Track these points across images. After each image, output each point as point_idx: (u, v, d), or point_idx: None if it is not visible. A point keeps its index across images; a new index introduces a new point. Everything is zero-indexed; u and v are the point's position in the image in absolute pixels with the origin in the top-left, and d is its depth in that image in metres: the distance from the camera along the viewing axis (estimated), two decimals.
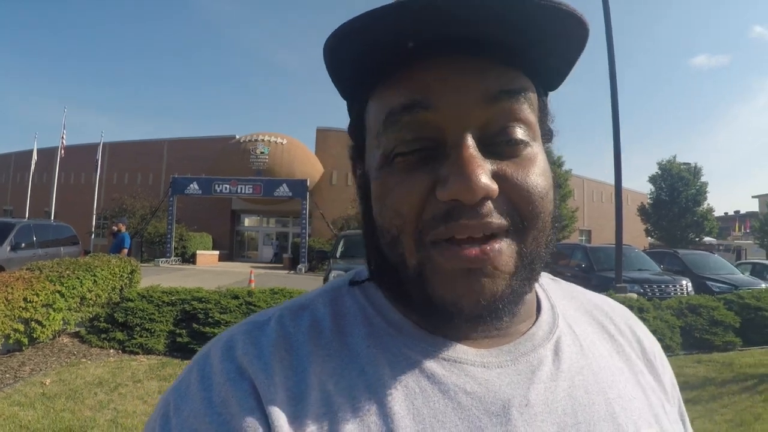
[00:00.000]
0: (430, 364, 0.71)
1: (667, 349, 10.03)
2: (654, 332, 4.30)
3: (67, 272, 9.53)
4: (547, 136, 0.78)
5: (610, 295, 6.73)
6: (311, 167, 41.09)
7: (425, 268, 0.67)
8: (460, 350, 0.73)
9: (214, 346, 0.74)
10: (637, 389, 0.80)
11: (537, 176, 0.69)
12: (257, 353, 0.71)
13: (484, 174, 0.63)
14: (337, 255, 14.09)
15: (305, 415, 0.65)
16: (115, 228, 16.28)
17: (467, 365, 0.71)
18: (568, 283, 0.98)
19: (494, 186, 0.64)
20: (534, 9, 0.60)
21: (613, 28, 13.61)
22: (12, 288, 8.12)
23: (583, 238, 50.23)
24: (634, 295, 11.98)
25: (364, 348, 0.73)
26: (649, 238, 46.12)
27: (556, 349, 0.78)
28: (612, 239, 15.21)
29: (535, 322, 0.80)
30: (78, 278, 9.61)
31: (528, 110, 0.69)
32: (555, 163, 32.77)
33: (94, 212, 43.82)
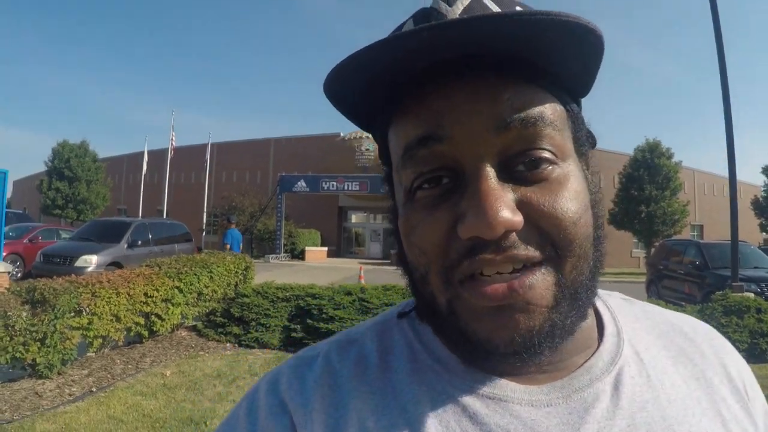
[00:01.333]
0: (473, 403, 0.68)
1: None
2: None
3: (185, 269, 9.89)
4: (584, 146, 0.74)
5: (726, 295, 6.65)
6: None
7: (456, 306, 0.65)
8: (507, 387, 0.69)
9: (263, 381, 0.77)
10: (716, 422, 0.72)
11: (567, 200, 0.64)
12: (300, 389, 0.72)
13: (503, 207, 0.59)
14: None
15: None
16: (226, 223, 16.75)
17: (513, 404, 0.68)
18: (644, 302, 0.90)
19: (517, 218, 0.60)
20: (538, 25, 0.57)
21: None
22: (133, 284, 8.48)
23: (695, 233, 48.48)
24: (751, 295, 11.35)
25: (407, 385, 0.71)
26: (764, 233, 44.17)
27: (617, 382, 0.72)
28: (725, 234, 14.64)
29: (595, 351, 0.75)
30: (195, 274, 9.95)
31: (549, 129, 0.64)
32: (664, 155, 31.77)
33: (205, 210, 45.13)
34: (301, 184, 36.03)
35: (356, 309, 9.53)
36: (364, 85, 0.63)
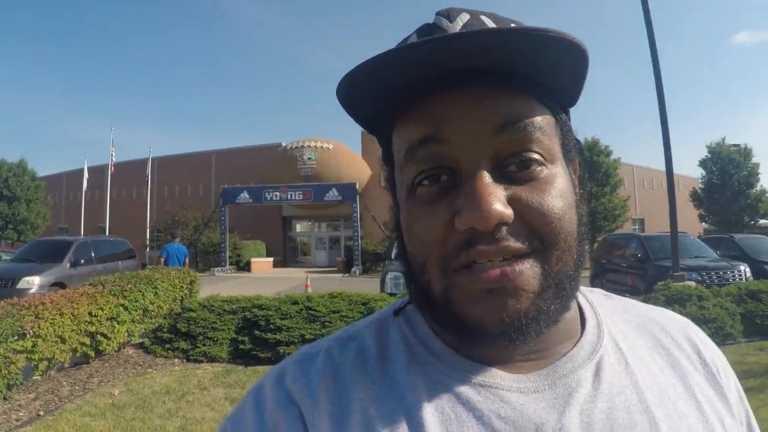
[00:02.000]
0: (467, 390, 0.72)
1: (728, 337, 9.95)
2: (714, 320, 5.32)
3: (129, 286, 9.75)
4: (571, 152, 0.79)
5: (667, 285, 6.70)
6: (359, 170, 41.06)
7: (450, 292, 0.70)
8: (497, 375, 0.74)
9: (267, 376, 0.80)
10: (691, 406, 0.78)
11: (554, 198, 0.69)
12: (305, 381, 0.76)
13: (496, 201, 0.65)
14: (392, 257, 13.94)
15: None
16: (172, 239, 16.65)
17: (503, 390, 0.72)
18: (623, 297, 0.96)
19: (508, 211, 0.66)
20: (528, 40, 0.63)
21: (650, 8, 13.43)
22: (77, 303, 8.35)
23: (636, 227, 49.29)
24: (693, 284, 11.70)
25: (404, 375, 0.75)
26: (704, 223, 45.20)
27: (598, 369, 0.77)
28: (666, 227, 14.94)
29: (577, 342, 0.80)
30: (140, 291, 9.83)
31: (539, 134, 0.70)
32: (603, 153, 32.39)
33: (148, 226, 44.54)
34: (244, 195, 35.91)
35: (303, 318, 9.55)
36: (373, 91, 0.68)
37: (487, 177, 0.67)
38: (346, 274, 32.54)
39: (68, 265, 17.34)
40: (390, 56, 0.63)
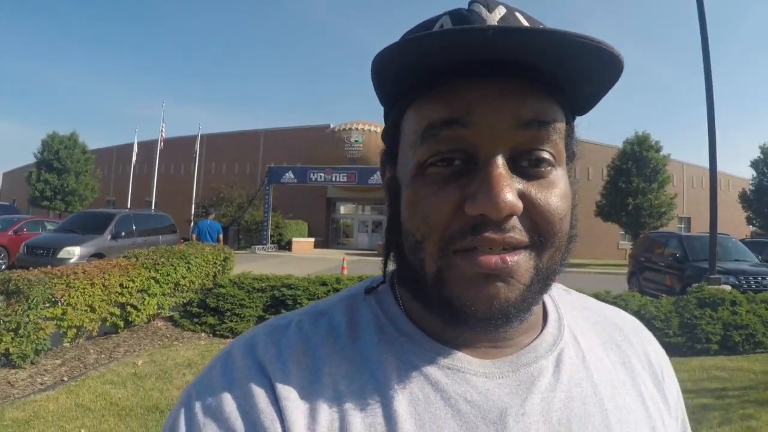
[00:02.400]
0: (435, 372, 0.75)
1: (759, 345, 9.63)
2: (745, 327, 5.54)
3: (162, 260, 9.95)
4: (572, 157, 0.82)
5: (702, 287, 6.80)
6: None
7: (444, 273, 0.71)
8: (465, 360, 0.76)
9: (236, 345, 0.79)
10: (638, 401, 0.83)
11: (558, 198, 0.72)
12: (277, 353, 0.75)
13: (510, 192, 0.66)
14: None
15: (317, 411, 0.70)
16: (206, 216, 16.83)
17: (470, 375, 0.75)
18: (582, 294, 1.01)
19: (519, 204, 0.68)
20: (572, 45, 0.63)
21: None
22: (109, 274, 8.54)
23: (683, 225, 48.42)
24: (728, 287, 11.37)
25: (375, 354, 0.77)
26: (751, 226, 43.98)
27: (558, 360, 0.81)
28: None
29: (539, 333, 0.84)
30: (172, 265, 10.04)
31: (556, 137, 0.72)
32: (652, 148, 31.77)
33: (193, 201, 45.03)
34: (289, 175, 35.98)
35: None
36: (405, 67, 0.69)
37: (504, 167, 0.68)
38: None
39: (109, 237, 17.71)
40: (433, 37, 0.64)
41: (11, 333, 6.85)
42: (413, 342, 0.78)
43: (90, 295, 8.08)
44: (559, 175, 0.74)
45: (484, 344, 0.78)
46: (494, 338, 0.78)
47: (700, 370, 8.26)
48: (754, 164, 43.17)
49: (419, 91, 0.73)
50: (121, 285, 8.74)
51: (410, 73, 0.70)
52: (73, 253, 16.32)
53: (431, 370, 0.75)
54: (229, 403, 0.71)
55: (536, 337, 0.83)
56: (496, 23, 0.70)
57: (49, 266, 8.34)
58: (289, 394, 0.71)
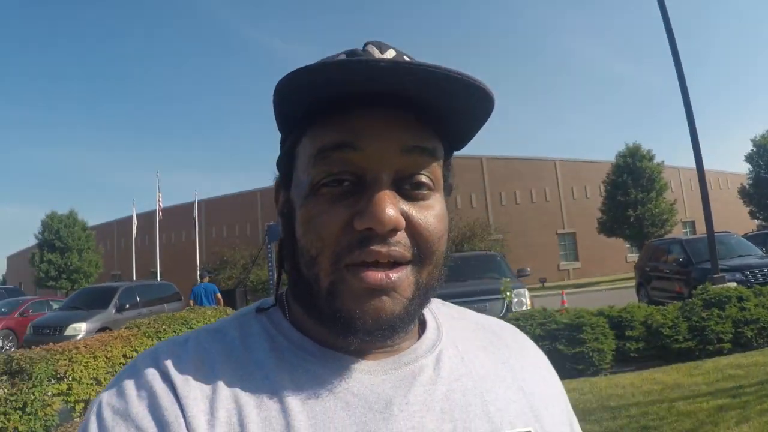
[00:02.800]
0: (325, 373, 0.81)
1: None
2: (756, 321, 6.26)
3: (164, 327, 9.94)
4: (447, 190, 0.90)
5: (706, 288, 6.83)
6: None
7: (337, 287, 0.77)
8: (351, 361, 0.83)
9: (141, 358, 0.84)
10: (519, 394, 0.91)
11: (436, 219, 0.80)
12: (177, 362, 0.80)
13: (393, 209, 0.74)
14: None
15: (215, 408, 0.75)
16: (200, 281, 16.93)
17: (356, 372, 0.82)
18: (459, 307, 1.08)
19: (402, 219, 0.75)
20: (447, 80, 0.71)
21: None
22: (111, 346, 8.54)
23: (687, 230, 48.35)
24: (733, 284, 11.36)
25: (267, 359, 0.82)
26: (755, 219, 43.79)
27: (437, 360, 0.89)
28: (719, 227, 14.58)
29: (419, 339, 0.91)
30: (174, 331, 10.00)
31: (435, 165, 0.81)
32: (645, 158, 31.94)
33: (198, 267, 45.09)
34: None
35: None
36: (307, 94, 0.76)
37: (389, 187, 0.76)
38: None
39: (114, 311, 17.85)
40: (325, 68, 0.71)
41: (19, 411, 6.80)
42: (303, 349, 0.84)
43: (94, 368, 8.04)
44: (437, 199, 0.83)
45: (371, 350, 0.84)
46: (379, 345, 0.84)
47: (715, 371, 8.21)
48: (749, 158, 43.27)
49: (312, 120, 0.79)
50: (124, 356, 8.68)
51: (303, 103, 0.78)
52: (80, 329, 16.37)
53: (321, 370, 0.81)
54: (136, 404, 0.75)
55: (416, 342, 0.90)
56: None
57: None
58: (189, 394, 0.75)
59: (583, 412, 6.90)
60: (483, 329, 1.04)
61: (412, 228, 0.78)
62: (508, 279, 12.19)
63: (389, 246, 0.75)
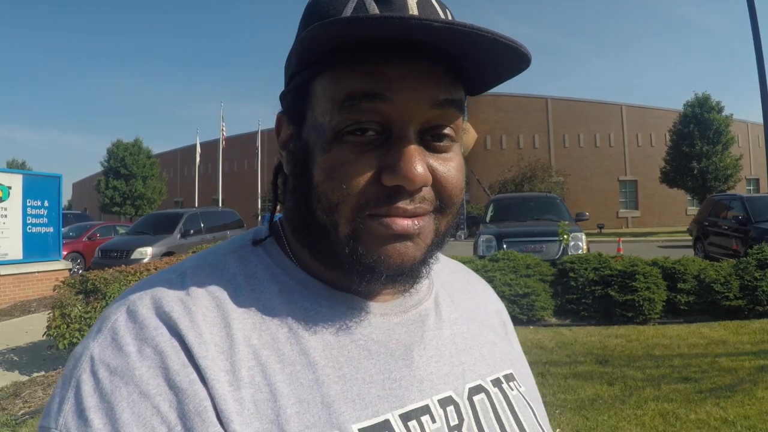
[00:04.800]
0: (340, 318, 0.80)
1: None
2: None
3: None
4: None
5: (762, 248, 7.52)
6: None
7: (359, 233, 0.75)
8: (362, 303, 0.83)
9: (138, 301, 0.75)
10: (496, 337, 1.00)
11: (457, 172, 0.79)
12: (184, 310, 0.73)
13: (422, 166, 0.72)
14: (487, 219, 13.99)
15: (237, 367, 0.70)
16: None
17: (371, 316, 0.83)
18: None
19: (430, 177, 0.74)
20: (488, 42, 0.69)
21: None
22: None
23: (751, 187, 47.24)
24: None
25: (278, 304, 0.79)
26: None
27: (436, 303, 0.94)
28: None
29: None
30: None
31: (459, 116, 0.79)
32: (714, 109, 31.06)
33: (259, 196, 45.58)
34: None
35: None
36: (336, 40, 0.70)
37: (416, 142, 0.74)
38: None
39: (179, 236, 18.23)
40: (373, 21, 0.65)
41: None
42: (311, 290, 0.82)
43: None
44: (456, 150, 0.81)
45: (374, 290, 0.83)
46: (400, 288, 0.86)
47: (761, 332, 8.20)
48: None
49: (336, 60, 0.74)
50: None
51: (330, 43, 0.72)
52: (146, 253, 16.85)
53: (337, 315, 0.81)
54: (138, 363, 0.67)
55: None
56: (416, 7, 0.75)
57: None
58: (206, 353, 0.69)
59: (628, 359, 7.06)
60: (455, 271, 1.10)
61: (436, 182, 0.77)
62: (566, 222, 12.28)
63: (415, 203, 0.74)
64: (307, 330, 0.77)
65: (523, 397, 0.92)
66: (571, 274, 9.64)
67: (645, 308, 9.09)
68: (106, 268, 8.56)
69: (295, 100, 0.83)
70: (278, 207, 0.92)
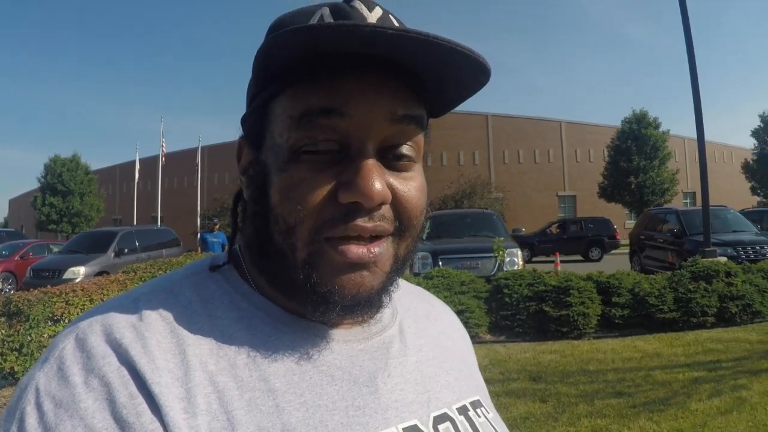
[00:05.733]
0: (301, 344, 0.77)
1: (757, 315, 9.65)
2: (741, 298, 6.52)
3: (160, 272, 9.94)
4: (423, 156, 0.84)
5: (696, 260, 7.52)
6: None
7: (315, 259, 0.72)
8: (325, 331, 0.79)
9: (87, 328, 0.71)
10: (461, 363, 0.97)
11: (418, 192, 0.77)
12: (134, 336, 0.69)
13: (381, 182, 0.70)
14: (424, 236, 13.84)
15: (194, 395, 0.66)
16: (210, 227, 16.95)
17: (333, 343, 0.79)
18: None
19: (388, 194, 0.72)
20: (446, 51, 0.67)
21: None
22: (107, 290, 8.64)
23: (687, 201, 48.38)
24: (723, 259, 11.33)
25: (237, 330, 0.75)
26: (756, 196, 43.72)
27: (401, 330, 0.90)
28: (719, 200, 14.47)
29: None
30: None
31: (420, 133, 0.76)
32: (651, 125, 31.77)
33: (198, 214, 45.25)
34: None
35: None
36: (292, 54, 0.69)
37: (374, 159, 0.72)
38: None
39: (113, 255, 18.02)
40: (315, 30, 0.64)
41: (15, 352, 7.03)
42: (271, 316, 0.79)
43: None
44: (418, 170, 0.79)
45: (338, 320, 0.80)
46: (358, 317, 0.81)
47: (695, 343, 8.33)
48: (755, 133, 43.24)
49: (293, 77, 0.72)
50: None
51: (284, 59, 0.70)
52: (78, 272, 16.58)
53: (298, 341, 0.77)
54: (86, 396, 0.63)
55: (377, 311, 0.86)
56: (374, 22, 0.73)
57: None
58: (159, 379, 0.65)
59: (561, 375, 7.08)
60: (418, 297, 1.06)
61: (396, 201, 0.74)
62: (502, 238, 12.34)
63: (374, 221, 0.71)
64: (268, 356, 0.74)
65: (491, 424, 0.88)
66: (506, 291, 9.65)
67: (579, 323, 9.14)
68: (36, 289, 8.31)
69: (254, 123, 0.81)
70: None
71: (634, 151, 37.36)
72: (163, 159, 43.68)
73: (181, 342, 0.71)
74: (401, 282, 1.00)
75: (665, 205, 31.04)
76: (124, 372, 0.65)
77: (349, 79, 0.70)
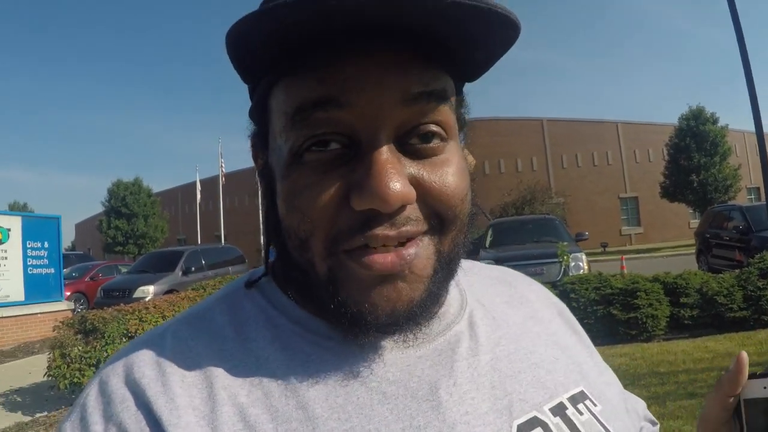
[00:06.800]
0: (347, 359, 0.68)
1: None
2: None
3: None
4: (463, 128, 0.76)
5: (764, 257, 7.39)
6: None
7: (338, 275, 0.63)
8: (375, 339, 0.68)
9: (109, 371, 0.68)
10: (557, 350, 0.82)
11: (455, 177, 0.65)
12: (156, 374, 0.65)
13: (399, 181, 0.59)
14: (486, 244, 13.93)
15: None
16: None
17: (385, 352, 0.69)
18: (466, 260, 0.86)
19: (412, 192, 0.61)
20: (459, 8, 0.55)
21: None
22: (178, 306, 8.89)
23: (752, 196, 46.93)
24: None
25: (271, 352, 0.68)
26: None
27: (471, 324, 0.78)
28: None
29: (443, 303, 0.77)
30: None
31: (446, 110, 0.65)
32: (708, 121, 31.18)
33: (261, 231, 45.63)
34: None
35: None
36: (267, 37, 0.59)
37: (390, 151, 0.61)
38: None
39: (180, 273, 18.26)
40: (296, 4, 0.53)
41: (92, 368, 7.26)
42: (311, 331, 0.70)
43: None
44: (452, 150, 0.67)
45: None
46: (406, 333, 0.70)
47: (767, 342, 8.11)
48: None
49: (285, 66, 0.64)
50: None
51: (271, 47, 0.61)
52: (148, 291, 16.82)
53: (340, 356, 0.68)
54: None
55: (441, 307, 0.77)
56: None
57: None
58: (177, 420, 0.61)
59: (632, 377, 6.95)
60: (498, 281, 0.93)
61: (426, 194, 0.63)
62: (566, 243, 12.24)
63: (398, 228, 0.61)
64: (306, 379, 0.65)
65: (597, 419, 0.75)
66: (572, 295, 9.48)
67: (648, 325, 8.99)
68: (108, 308, 8.56)
69: (258, 120, 0.74)
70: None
71: (694, 149, 36.35)
72: (223, 179, 44.15)
73: (209, 375, 0.65)
74: (475, 265, 0.95)
75: (729, 202, 30.32)
76: (141, 417, 0.61)
77: (345, 61, 0.61)
